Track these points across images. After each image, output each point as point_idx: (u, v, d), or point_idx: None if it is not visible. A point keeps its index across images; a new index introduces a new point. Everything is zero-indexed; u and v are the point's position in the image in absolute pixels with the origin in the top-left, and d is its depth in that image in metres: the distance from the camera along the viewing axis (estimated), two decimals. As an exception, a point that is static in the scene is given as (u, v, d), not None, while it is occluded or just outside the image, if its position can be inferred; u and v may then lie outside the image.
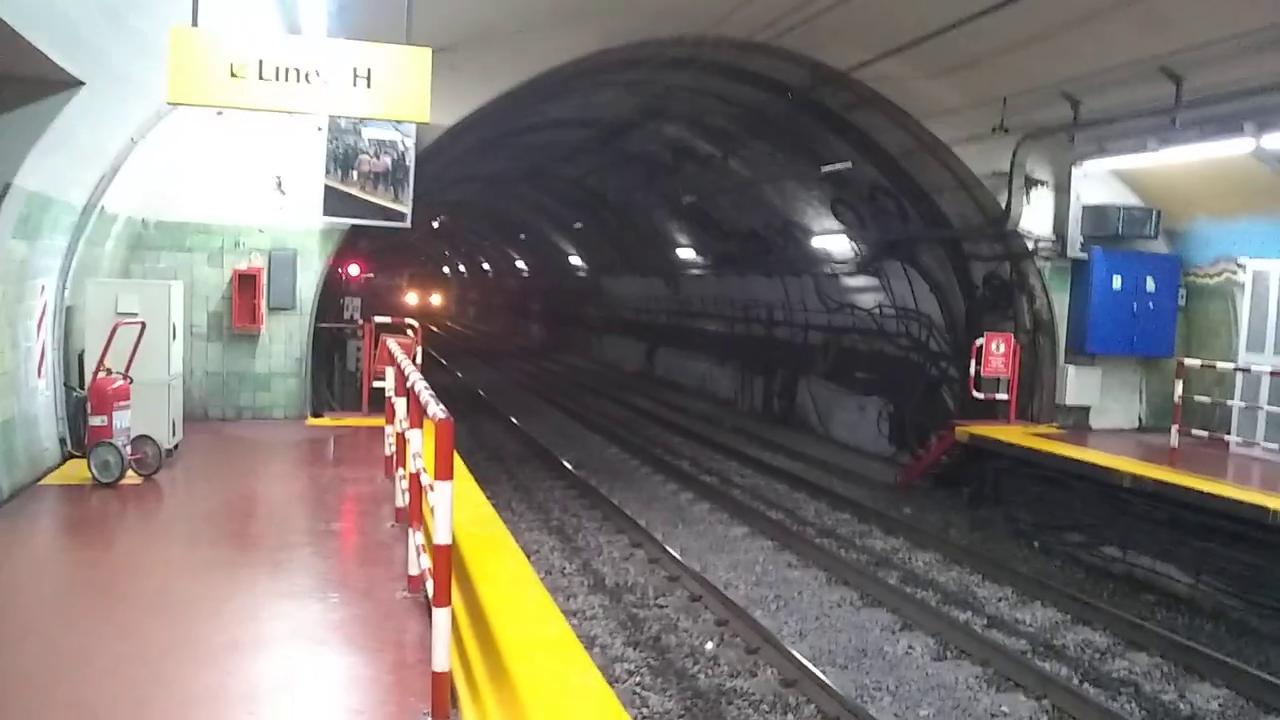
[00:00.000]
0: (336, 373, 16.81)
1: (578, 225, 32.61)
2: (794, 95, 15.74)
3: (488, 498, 9.18)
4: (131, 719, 4.65)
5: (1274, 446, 12.36)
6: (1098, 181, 14.83)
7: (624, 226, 29.74)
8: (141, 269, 12.77)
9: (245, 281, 13.17)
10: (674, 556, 11.68)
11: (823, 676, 8.27)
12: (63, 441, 10.26)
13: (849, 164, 16.57)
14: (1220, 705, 8.40)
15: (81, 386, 10.22)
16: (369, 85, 7.17)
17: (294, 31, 9.47)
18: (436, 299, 74.31)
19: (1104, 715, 7.82)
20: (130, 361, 9.74)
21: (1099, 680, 8.81)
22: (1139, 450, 13.15)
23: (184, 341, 11.62)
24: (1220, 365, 12.97)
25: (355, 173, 13.09)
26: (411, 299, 68.17)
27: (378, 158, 13.11)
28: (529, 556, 8.43)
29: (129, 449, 9.44)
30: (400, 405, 8.40)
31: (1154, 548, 11.54)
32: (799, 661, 8.57)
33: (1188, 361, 12.82)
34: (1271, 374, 12.21)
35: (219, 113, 11.81)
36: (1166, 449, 12.18)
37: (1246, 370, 12.58)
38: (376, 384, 13.10)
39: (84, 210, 10.19)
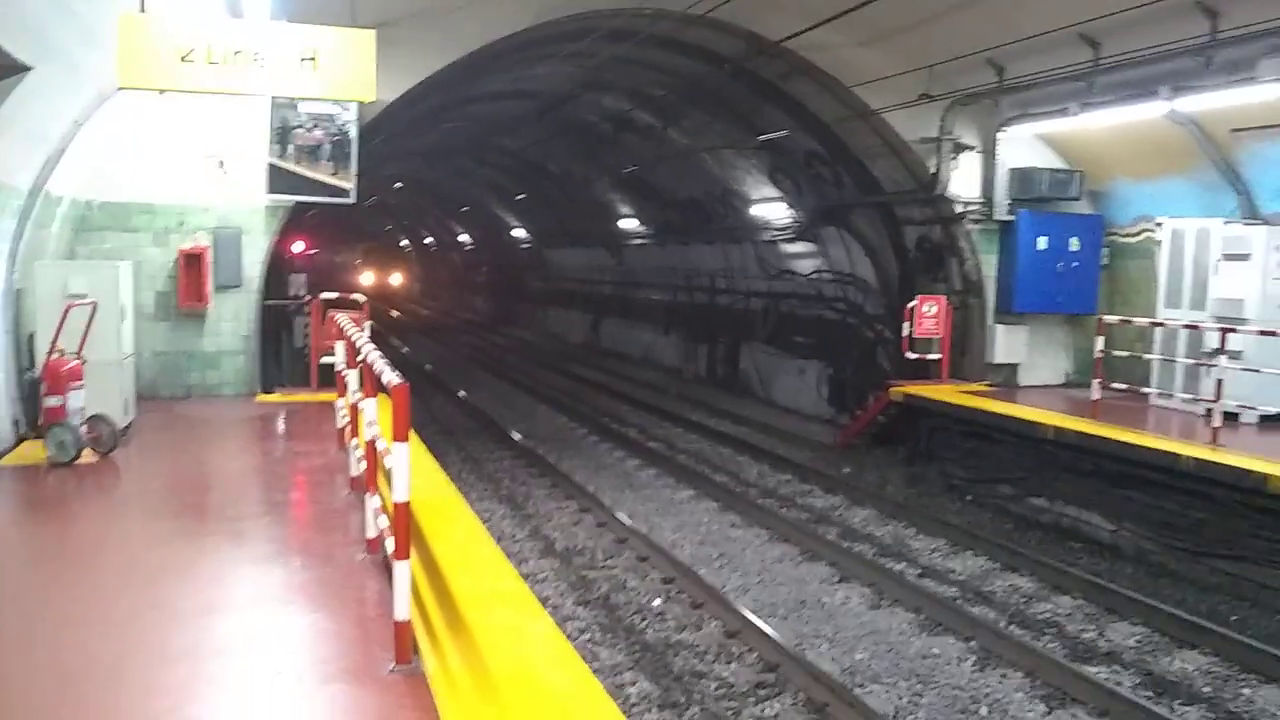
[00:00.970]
0: (284, 349, 16.93)
1: (520, 197, 32.75)
2: (730, 66, 16.06)
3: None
4: (111, 677, 4.93)
5: (1189, 397, 12.96)
6: (1023, 145, 15.35)
7: (566, 198, 29.94)
8: (87, 250, 12.84)
9: (191, 261, 13.28)
10: (621, 521, 12.06)
11: (764, 627, 8.67)
12: (16, 423, 10.39)
13: (785, 132, 16.97)
14: (1137, 641, 8.92)
15: (33, 368, 10.35)
16: (315, 67, 7.42)
17: (237, 14, 9.61)
18: (397, 278, 65.34)
19: (1025, 652, 8.32)
20: (83, 342, 9.89)
21: (1025, 622, 9.31)
22: (1063, 405, 13.73)
23: (132, 322, 11.74)
24: (1137, 321, 13.55)
25: (291, 146, 13.20)
26: (367, 279, 61.47)
27: (310, 131, 13.21)
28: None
29: (84, 428, 9.60)
30: (352, 377, 8.67)
31: (1078, 497, 12.10)
32: (742, 614, 8.98)
33: (1107, 318, 13.38)
34: (1186, 327, 12.80)
35: (161, 93, 11.88)
36: (1089, 403, 12.74)
37: (1163, 325, 13.16)
38: (325, 360, 13.32)
39: (30, 193, 10.29)
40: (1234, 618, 9.40)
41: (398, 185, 31.87)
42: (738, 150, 19.54)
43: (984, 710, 7.54)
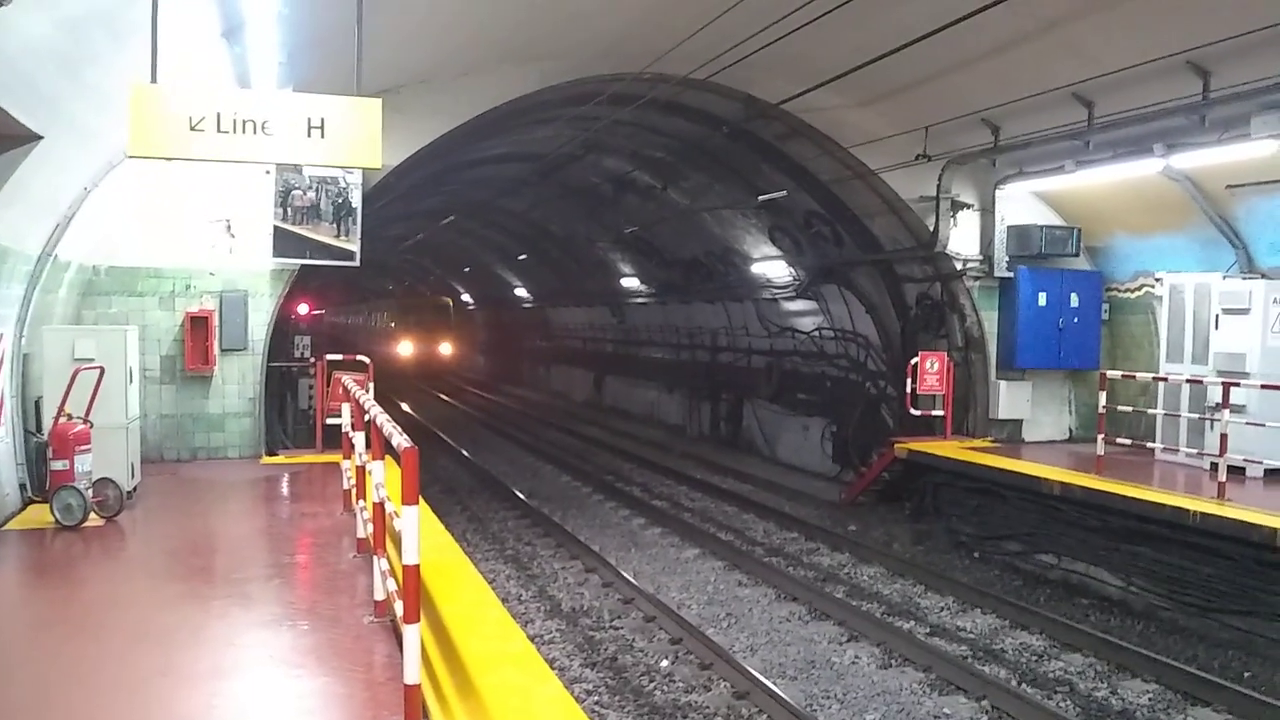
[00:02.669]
0: (289, 411, 16.97)
1: (522, 257, 32.97)
2: (728, 128, 16.27)
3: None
4: (120, 743, 4.91)
5: (1194, 451, 12.96)
6: (1020, 203, 15.52)
7: (568, 257, 30.15)
8: (94, 315, 12.92)
9: (197, 324, 13.36)
10: (628, 580, 12.01)
11: (774, 688, 8.62)
12: (23, 487, 10.40)
13: (784, 192, 17.14)
14: (1150, 699, 8.86)
15: (40, 432, 10.39)
16: (323, 135, 7.51)
17: (244, 82, 9.78)
18: (446, 348, 45.51)
19: (1041, 713, 8.26)
20: (90, 406, 9.94)
21: (1036, 680, 9.26)
22: (1068, 460, 13.73)
23: (139, 385, 11.78)
24: (1140, 376, 13.61)
25: (289, 209, 13.34)
26: (406, 349, 44.64)
27: (305, 193, 13.35)
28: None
29: (90, 492, 9.61)
30: (359, 439, 8.70)
31: (1086, 553, 12.06)
32: (751, 675, 8.92)
33: (1110, 373, 13.43)
34: (1189, 382, 12.84)
35: (168, 160, 12.03)
36: (1094, 458, 12.75)
37: (1165, 379, 13.21)
38: (330, 421, 13.35)
39: (39, 259, 10.39)
40: (1246, 674, 9.35)
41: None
42: (737, 210, 19.73)
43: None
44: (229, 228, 13.49)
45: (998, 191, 15.38)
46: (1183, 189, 13.03)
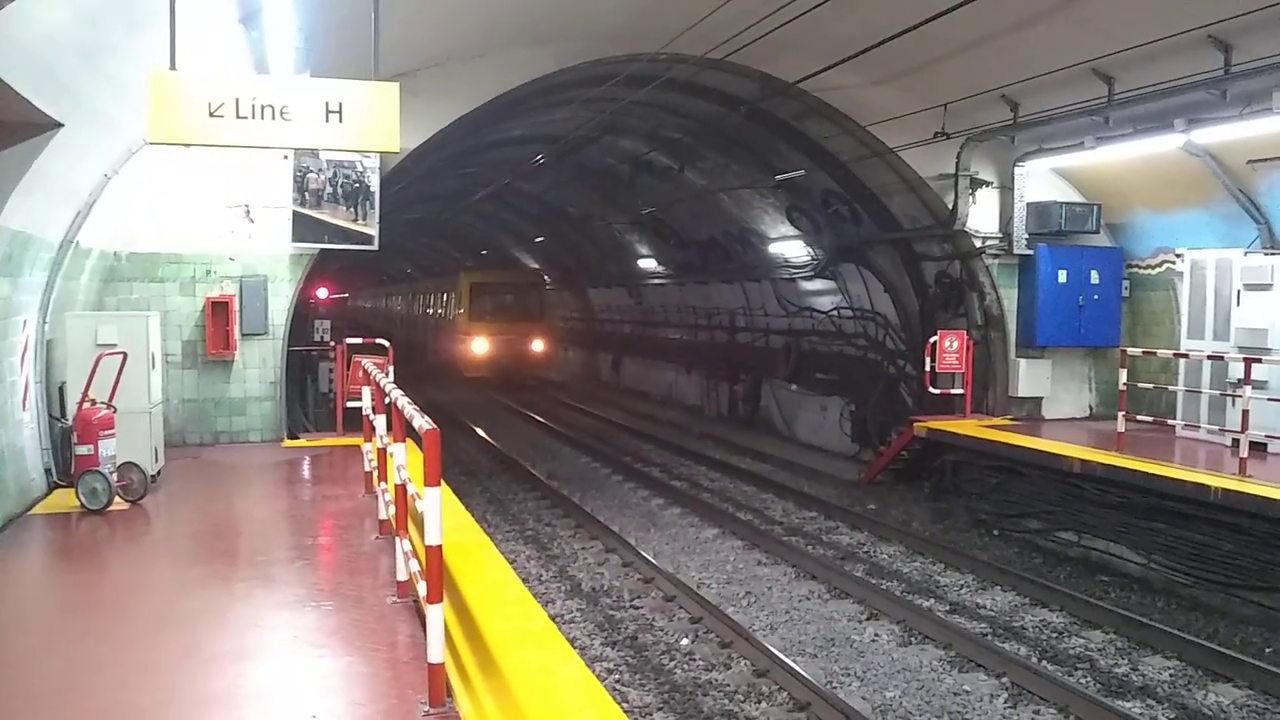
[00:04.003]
0: (310, 395, 17.07)
1: (539, 239, 32.99)
2: (745, 107, 16.22)
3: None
4: (150, 721, 4.99)
5: (1215, 428, 12.91)
6: (1040, 179, 15.43)
7: (585, 239, 30.15)
8: (115, 301, 13.02)
9: (218, 309, 13.44)
10: (647, 559, 12.06)
11: (794, 665, 8.66)
12: (48, 471, 10.51)
13: (802, 171, 17.10)
14: (1171, 676, 8.86)
15: (64, 417, 10.49)
16: (341, 120, 7.54)
17: (262, 67, 9.81)
18: (539, 345, 32.60)
19: (1059, 689, 8.27)
20: (113, 391, 10.03)
21: (1056, 657, 9.26)
22: (1088, 437, 13.69)
23: (161, 370, 11.88)
24: (1161, 353, 13.56)
25: (307, 193, 13.39)
26: (480, 347, 31.67)
27: (321, 177, 13.39)
28: (509, 562, 8.78)
29: (115, 476, 9.71)
30: (380, 422, 8.76)
31: (1106, 530, 12.04)
32: (771, 653, 8.96)
33: (1130, 350, 13.37)
34: (1210, 358, 12.77)
35: (188, 146, 12.09)
36: (1114, 435, 12.70)
37: (1186, 356, 13.14)
38: (351, 404, 13.43)
39: (60, 246, 10.47)
40: (1268, 650, 9.34)
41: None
42: (755, 190, 19.68)
43: (1017, 747, 7.50)
44: (248, 213, 13.56)
45: (1017, 169, 15.29)
46: (1204, 164, 12.93)
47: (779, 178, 17.60)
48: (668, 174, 21.65)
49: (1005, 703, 8.25)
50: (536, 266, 35.71)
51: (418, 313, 42.28)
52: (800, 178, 17.31)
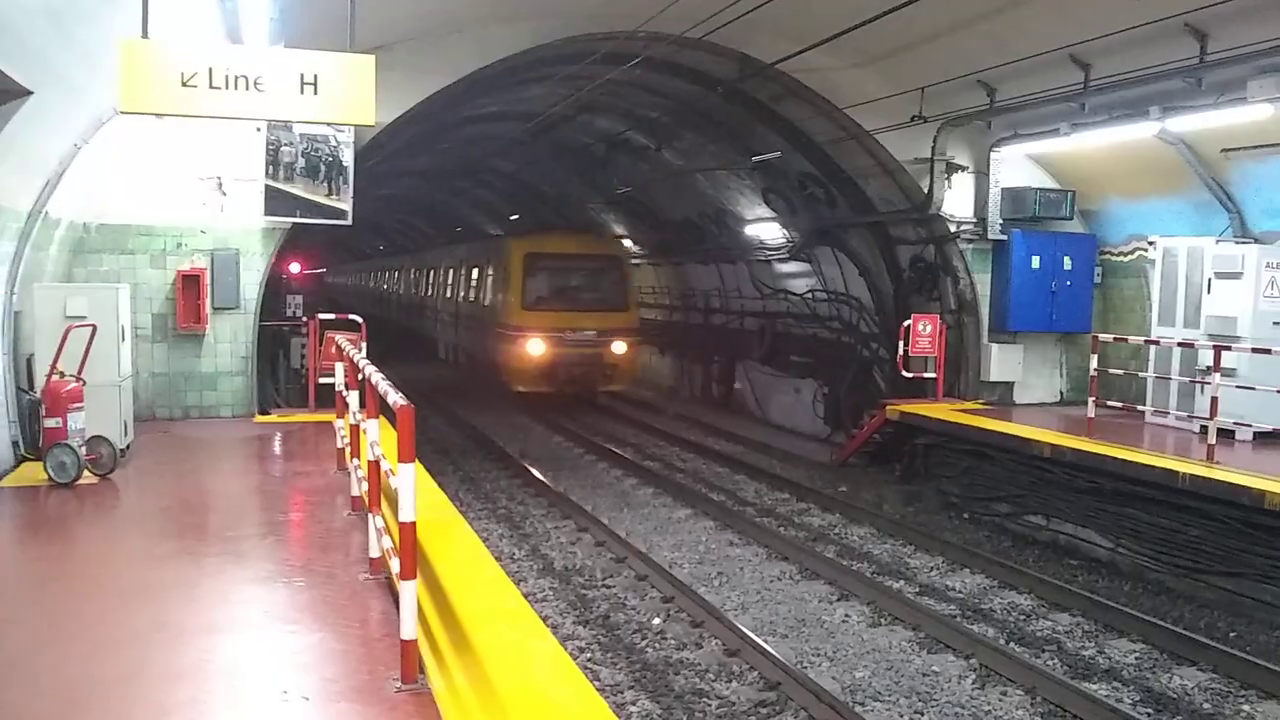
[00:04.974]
0: (281, 370, 16.96)
1: (514, 217, 32.82)
2: (723, 88, 16.17)
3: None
4: (118, 697, 4.95)
5: (1184, 414, 13.04)
6: (1015, 165, 15.48)
7: (560, 218, 30.02)
8: (84, 272, 12.87)
9: (189, 282, 13.32)
10: (620, 539, 12.08)
11: (764, 645, 8.70)
12: (15, 444, 10.40)
13: (779, 153, 17.08)
14: (1137, 658, 8.95)
15: (32, 390, 10.37)
16: (316, 92, 7.46)
17: (235, 37, 9.69)
18: (620, 347, 22.07)
19: (1026, 670, 8.35)
20: (82, 364, 9.92)
21: (1024, 639, 9.34)
22: (1059, 422, 13.79)
23: (131, 343, 11.76)
24: (1132, 339, 13.67)
25: (279, 166, 13.26)
26: (536, 348, 21.42)
27: (295, 150, 13.27)
28: (481, 540, 8.75)
29: (84, 449, 9.62)
30: (353, 398, 8.70)
31: (1075, 514, 12.14)
32: (742, 632, 9.00)
33: (1102, 336, 13.46)
34: (1180, 345, 12.88)
35: (159, 116, 11.95)
36: (1084, 420, 12.80)
37: (1157, 343, 13.25)
38: (323, 380, 13.35)
39: (29, 216, 10.33)
40: (1232, 634, 9.46)
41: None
42: (731, 171, 19.65)
43: (985, 727, 7.57)
44: (220, 185, 13.42)
45: (992, 154, 15.33)
46: (1178, 152, 13.01)
47: (756, 159, 17.58)
48: (644, 153, 21.58)
49: (973, 683, 8.32)
50: (619, 233, 26.64)
51: (424, 296, 33.35)
52: (777, 159, 17.31)
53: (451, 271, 29.15)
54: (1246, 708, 7.93)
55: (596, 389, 22.59)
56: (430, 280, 32.69)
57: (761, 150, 17.38)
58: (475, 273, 26.03)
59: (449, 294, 29.14)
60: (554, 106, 19.03)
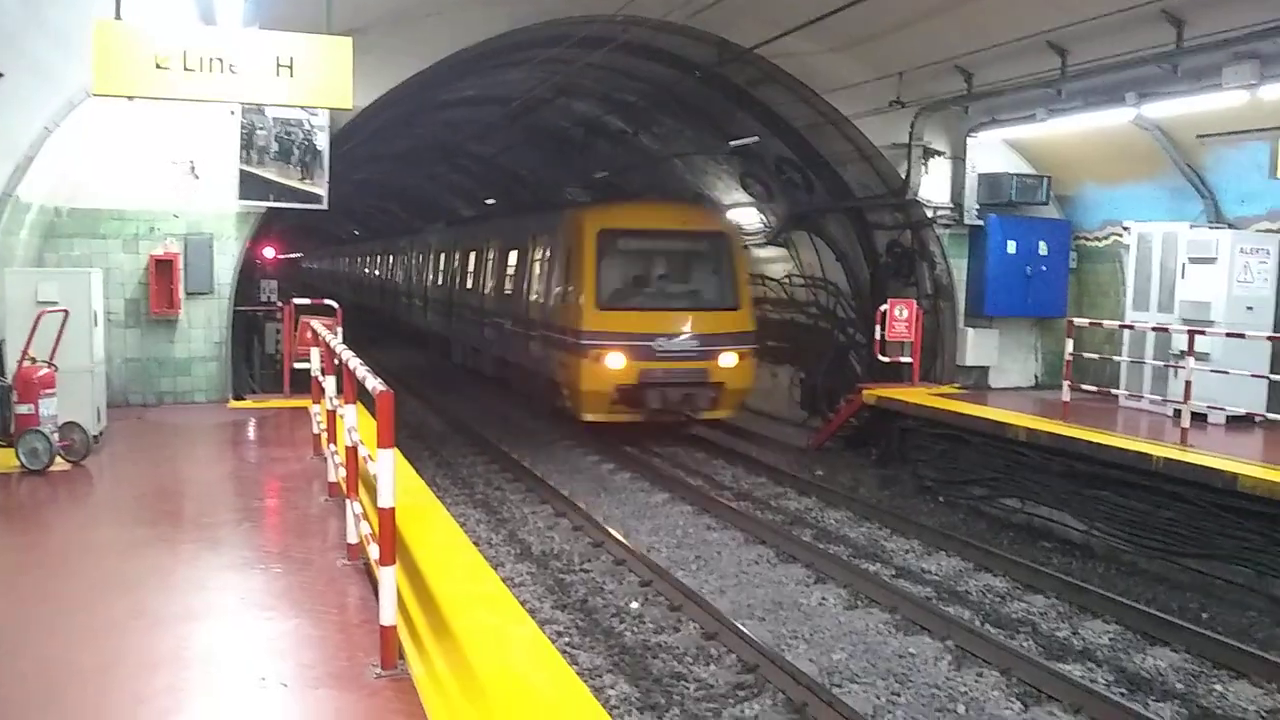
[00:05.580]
0: (256, 355, 16.85)
1: (490, 202, 32.71)
2: (701, 72, 16.14)
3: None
4: (95, 686, 4.91)
5: (1158, 399, 13.14)
6: (991, 150, 15.53)
7: (537, 202, 29.94)
8: (56, 257, 12.73)
9: (162, 267, 13.20)
10: (598, 523, 12.08)
11: (742, 628, 8.73)
12: (-13, 431, 10.28)
13: (756, 138, 17.07)
14: (1110, 639, 9.03)
15: (3, 375, 10.26)
16: (292, 74, 7.41)
17: (209, 19, 9.58)
18: (729, 359, 16.36)
19: (1001, 651, 8.42)
20: (54, 350, 9.82)
21: (999, 621, 9.40)
22: (1034, 406, 13.88)
23: (103, 328, 11.65)
24: (1107, 324, 13.76)
25: (253, 150, 13.16)
26: (616, 361, 15.86)
27: (266, 132, 13.17)
28: (459, 526, 8.73)
29: (56, 436, 9.53)
30: (330, 383, 8.66)
31: (1050, 498, 12.23)
32: (720, 615, 9.03)
33: (1077, 321, 13.55)
34: (1154, 330, 12.98)
35: (130, 99, 11.82)
36: (1059, 404, 12.88)
37: (1131, 327, 13.34)
38: (298, 365, 13.28)
39: (-1, 200, 10.22)
40: (1204, 615, 9.55)
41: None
42: (709, 156, 19.63)
43: (961, 709, 7.61)
44: (193, 169, 13.29)
45: (969, 139, 15.38)
46: (1153, 138, 13.08)
47: (733, 144, 17.56)
48: (622, 138, 21.53)
49: (949, 665, 8.37)
50: (731, 204, 20.54)
51: (430, 285, 29.19)
52: (755, 144, 17.29)
53: (475, 256, 24.05)
54: (1219, 687, 8.01)
55: (696, 417, 17.07)
56: (441, 266, 27.88)
57: (739, 135, 17.36)
58: (515, 257, 20.56)
59: (470, 284, 24.12)
60: (531, 91, 18.96)
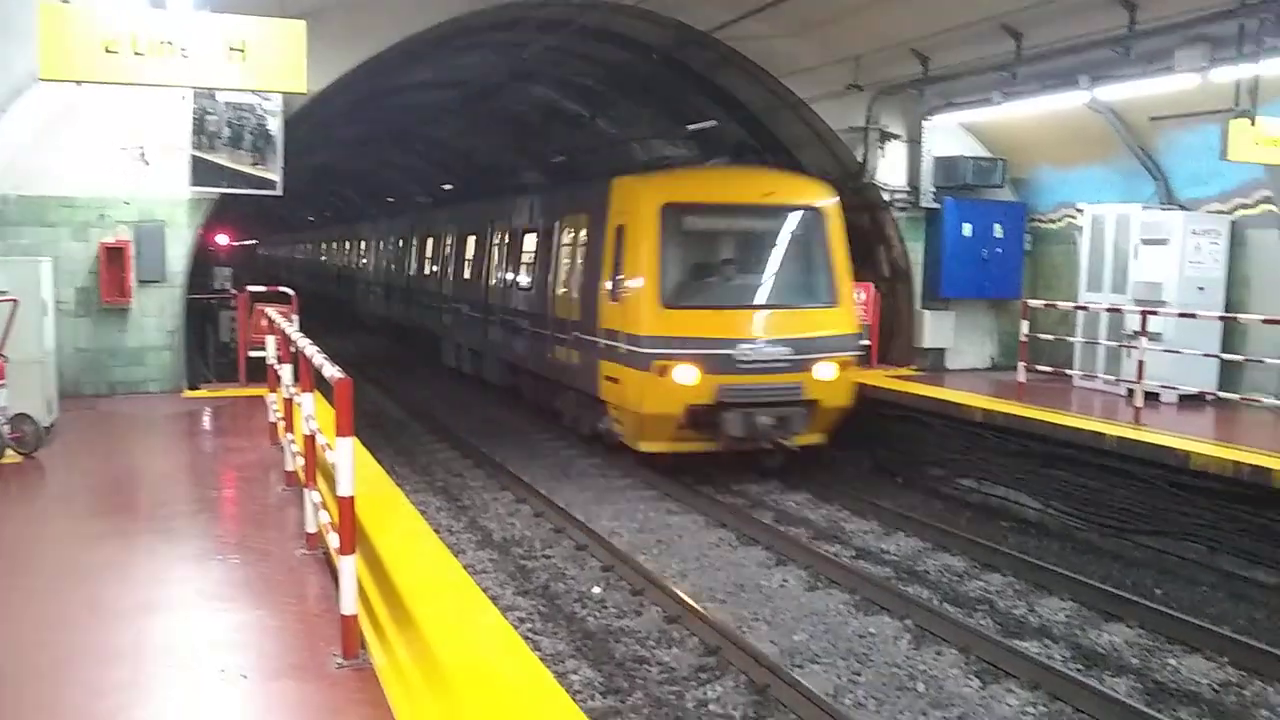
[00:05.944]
0: (210, 344, 16.66)
1: (447, 187, 32.49)
2: (658, 55, 16.11)
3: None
4: (52, 680, 4.83)
5: (1112, 378, 13.32)
6: (947, 134, 15.64)
7: (493, 187, 29.78)
8: (4, 246, 12.47)
9: (113, 255, 12.99)
10: (559, 509, 12.06)
11: (704, 611, 8.76)
12: (-65, 423, 10.09)
13: (714, 122, 17.07)
14: (1066, 616, 9.15)
15: (-49, 367, 10.06)
16: (244, 58, 7.29)
17: (158, 3, 9.41)
18: (827, 372, 13.16)
19: (959, 629, 8.51)
20: (3, 340, 9.64)
21: (957, 600, 9.51)
22: (990, 387, 14.04)
23: (53, 318, 11.46)
24: (1061, 305, 13.92)
25: (205, 136, 12.97)
26: (686, 375, 12.56)
27: (218, 117, 12.98)
28: (420, 513, 8.68)
29: (7, 428, 9.37)
30: (286, 371, 8.57)
31: (1006, 477, 12.38)
32: (681, 599, 9.05)
33: (1031, 302, 13.70)
34: (1108, 311, 13.14)
35: (79, 84, 11.60)
36: (1015, 385, 13.03)
37: (1085, 308, 13.50)
38: (252, 354, 13.13)
39: (-56, 187, 10.00)
40: (1158, 591, 9.71)
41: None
42: (667, 139, 19.60)
43: (921, 686, 7.69)
44: (143, 155, 13.06)
45: (925, 123, 15.47)
46: (1106, 121, 13.22)
47: (691, 128, 17.55)
48: (579, 121, 21.46)
49: (909, 644, 8.46)
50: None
51: (412, 275, 26.38)
52: (713, 128, 17.29)
53: (476, 240, 20.74)
54: (1173, 661, 8.15)
55: (787, 445, 13.11)
56: (429, 253, 24.85)
57: (697, 119, 17.35)
58: (534, 241, 17.19)
59: (470, 274, 20.92)
60: (488, 75, 18.84)
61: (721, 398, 12.61)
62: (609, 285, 13.62)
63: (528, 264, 17.39)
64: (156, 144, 13.03)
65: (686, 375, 12.52)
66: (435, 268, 24.02)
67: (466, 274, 21.16)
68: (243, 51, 7.33)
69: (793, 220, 13.77)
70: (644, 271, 13.00)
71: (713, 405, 12.65)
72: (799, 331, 13.09)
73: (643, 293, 12.96)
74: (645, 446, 13.34)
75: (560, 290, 15.68)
